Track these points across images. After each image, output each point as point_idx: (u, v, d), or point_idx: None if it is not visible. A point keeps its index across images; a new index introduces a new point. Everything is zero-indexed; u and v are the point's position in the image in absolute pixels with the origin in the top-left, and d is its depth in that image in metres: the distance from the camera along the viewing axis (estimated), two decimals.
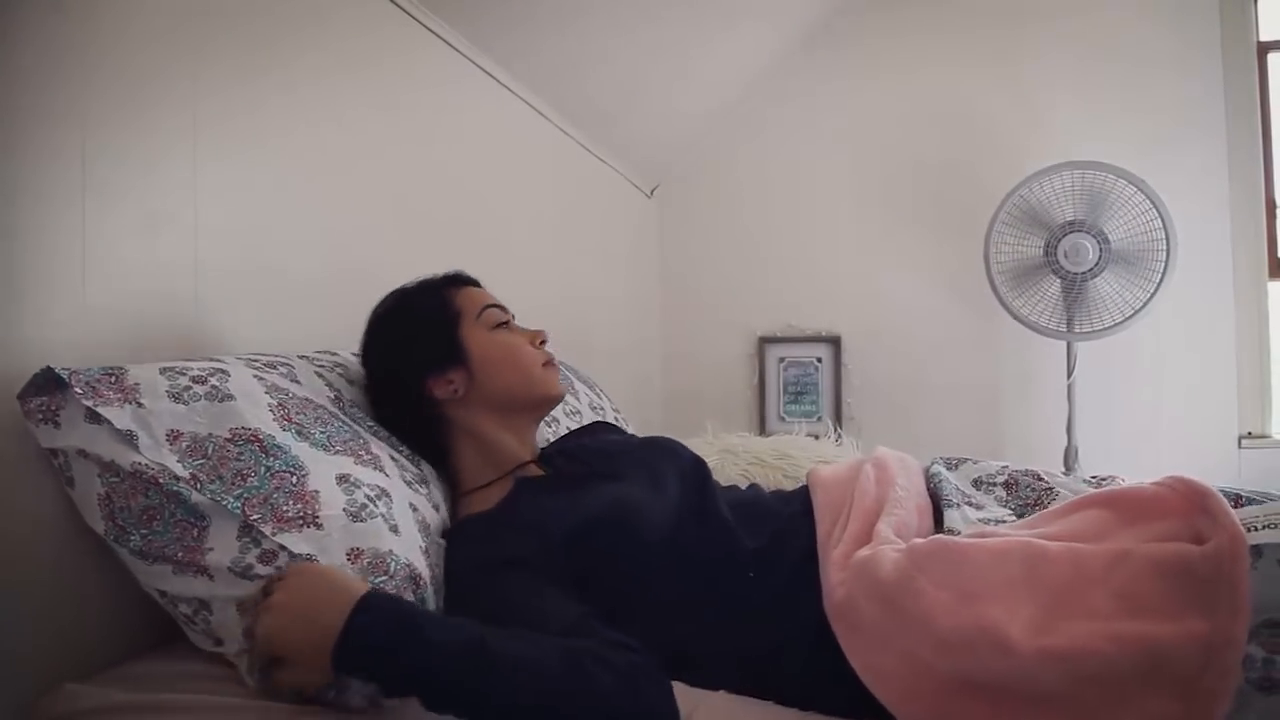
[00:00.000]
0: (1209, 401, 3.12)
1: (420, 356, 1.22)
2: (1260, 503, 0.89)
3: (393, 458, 1.14)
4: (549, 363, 1.28)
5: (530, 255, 2.36)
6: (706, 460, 1.70)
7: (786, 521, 1.12)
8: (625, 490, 1.15)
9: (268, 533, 0.91)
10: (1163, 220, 2.77)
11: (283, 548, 0.91)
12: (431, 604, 0.99)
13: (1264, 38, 3.25)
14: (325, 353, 1.35)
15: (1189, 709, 0.69)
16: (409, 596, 0.95)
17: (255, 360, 1.14)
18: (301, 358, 1.25)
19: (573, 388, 1.89)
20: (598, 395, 2.04)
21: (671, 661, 0.92)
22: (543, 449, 1.34)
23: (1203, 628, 0.71)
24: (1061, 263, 2.84)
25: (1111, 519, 0.90)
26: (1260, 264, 3.19)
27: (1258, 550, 0.74)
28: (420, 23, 1.81)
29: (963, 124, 3.30)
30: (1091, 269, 2.83)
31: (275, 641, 0.84)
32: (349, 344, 1.47)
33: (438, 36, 1.87)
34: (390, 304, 1.29)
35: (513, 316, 1.32)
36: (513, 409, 1.25)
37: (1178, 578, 0.75)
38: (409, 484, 1.12)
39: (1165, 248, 2.78)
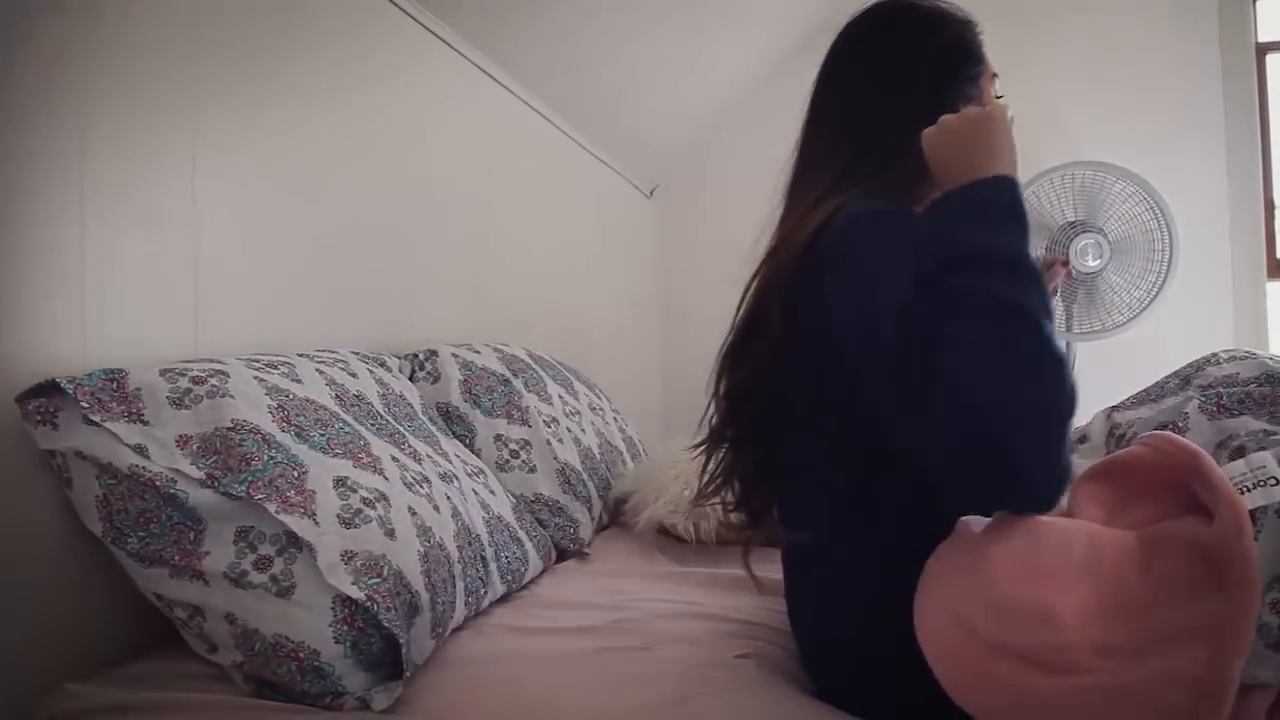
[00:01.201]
0: None
1: (966, 73, 1.16)
2: (1247, 450, 0.91)
3: (394, 458, 1.14)
4: None
5: (530, 255, 2.36)
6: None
7: None
8: None
9: (271, 510, 0.92)
10: (1165, 221, 2.77)
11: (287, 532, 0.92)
12: (426, 609, 0.99)
13: (1263, 39, 3.25)
14: (327, 351, 1.35)
15: (1209, 666, 0.73)
16: (400, 601, 0.95)
17: (255, 361, 1.14)
18: (302, 356, 1.25)
19: (572, 388, 1.89)
20: (597, 396, 2.04)
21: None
22: None
23: (1221, 603, 0.75)
24: (1072, 262, 2.84)
25: (1114, 495, 0.94)
26: (1259, 264, 3.19)
27: (1252, 515, 0.78)
28: (419, 22, 1.80)
29: None
30: (1101, 269, 2.85)
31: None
32: (348, 341, 1.48)
33: (437, 37, 1.87)
34: (947, 12, 1.20)
35: None
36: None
37: (1199, 561, 0.79)
38: (410, 485, 1.12)
39: (1168, 248, 2.78)
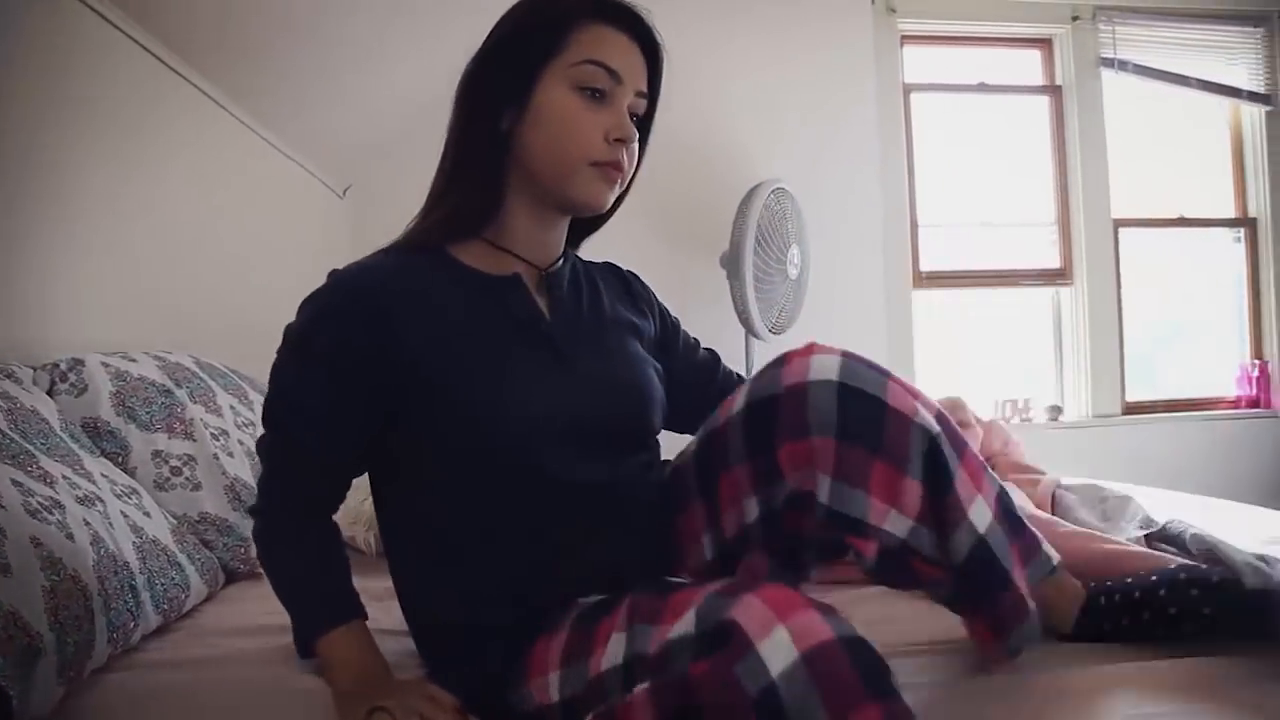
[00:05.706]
0: None
1: (498, 75, 1.02)
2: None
3: (17, 483, 1.01)
4: (609, 165, 1.01)
5: (205, 256, 2.17)
6: None
7: None
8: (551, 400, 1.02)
9: None
10: (801, 236, 3.16)
11: None
12: (51, 651, 0.88)
13: (908, 80, 3.73)
14: None
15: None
16: (15, 646, 0.84)
17: None
18: None
19: (246, 397, 1.76)
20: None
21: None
22: (568, 263, 1.14)
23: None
24: (787, 270, 3.10)
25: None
26: (906, 275, 3.65)
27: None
28: None
29: (668, 136, 3.45)
30: (801, 275, 3.16)
31: None
32: None
33: (92, 10, 1.68)
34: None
35: (633, 99, 1.03)
36: (536, 189, 1.05)
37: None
38: (35, 513, 0.99)
39: (806, 257, 3.19)
